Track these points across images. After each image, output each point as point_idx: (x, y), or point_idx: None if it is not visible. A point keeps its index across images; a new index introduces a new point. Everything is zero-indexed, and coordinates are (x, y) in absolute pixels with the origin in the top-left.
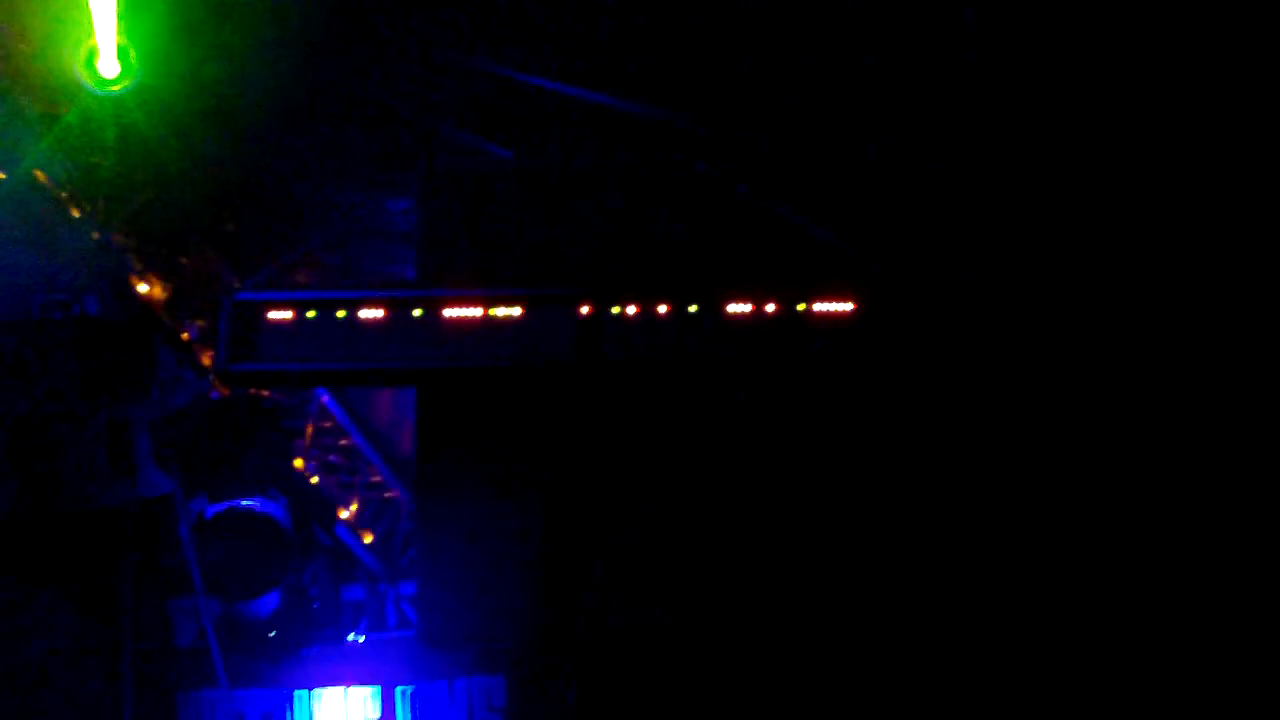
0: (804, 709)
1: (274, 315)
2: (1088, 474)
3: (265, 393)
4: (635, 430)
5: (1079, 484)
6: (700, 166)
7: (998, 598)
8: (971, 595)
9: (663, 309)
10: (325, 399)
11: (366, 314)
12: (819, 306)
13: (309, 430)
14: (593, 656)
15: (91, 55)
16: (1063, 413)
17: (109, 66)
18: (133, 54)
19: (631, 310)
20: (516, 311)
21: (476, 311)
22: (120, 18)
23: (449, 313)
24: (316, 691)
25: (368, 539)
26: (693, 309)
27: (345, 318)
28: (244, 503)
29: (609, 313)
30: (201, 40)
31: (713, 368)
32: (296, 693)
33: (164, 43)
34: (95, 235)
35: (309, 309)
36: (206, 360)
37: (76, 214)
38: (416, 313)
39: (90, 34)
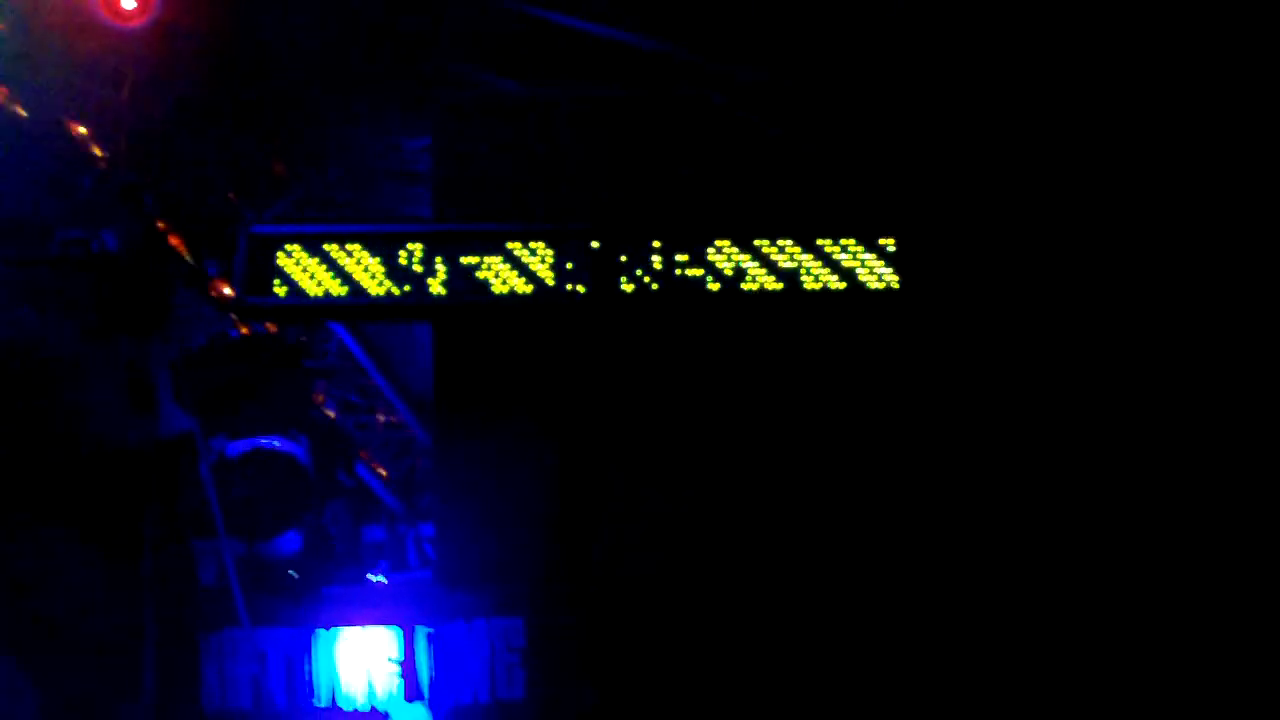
0: (813, 658)
1: (290, 249)
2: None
3: (274, 328)
4: (652, 370)
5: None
6: (716, 99)
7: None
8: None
9: (679, 245)
10: (344, 337)
11: (383, 248)
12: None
13: (329, 369)
14: (605, 598)
15: None
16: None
17: (128, 2)
18: None
19: (648, 246)
20: (532, 247)
21: (491, 247)
22: None
23: (463, 248)
24: (337, 631)
25: (388, 479)
26: (710, 246)
27: (361, 253)
28: (265, 442)
29: (625, 248)
30: None
31: (732, 306)
32: (317, 632)
33: None
34: (114, 172)
35: (325, 242)
36: (225, 298)
37: (96, 151)
38: (430, 246)
39: None
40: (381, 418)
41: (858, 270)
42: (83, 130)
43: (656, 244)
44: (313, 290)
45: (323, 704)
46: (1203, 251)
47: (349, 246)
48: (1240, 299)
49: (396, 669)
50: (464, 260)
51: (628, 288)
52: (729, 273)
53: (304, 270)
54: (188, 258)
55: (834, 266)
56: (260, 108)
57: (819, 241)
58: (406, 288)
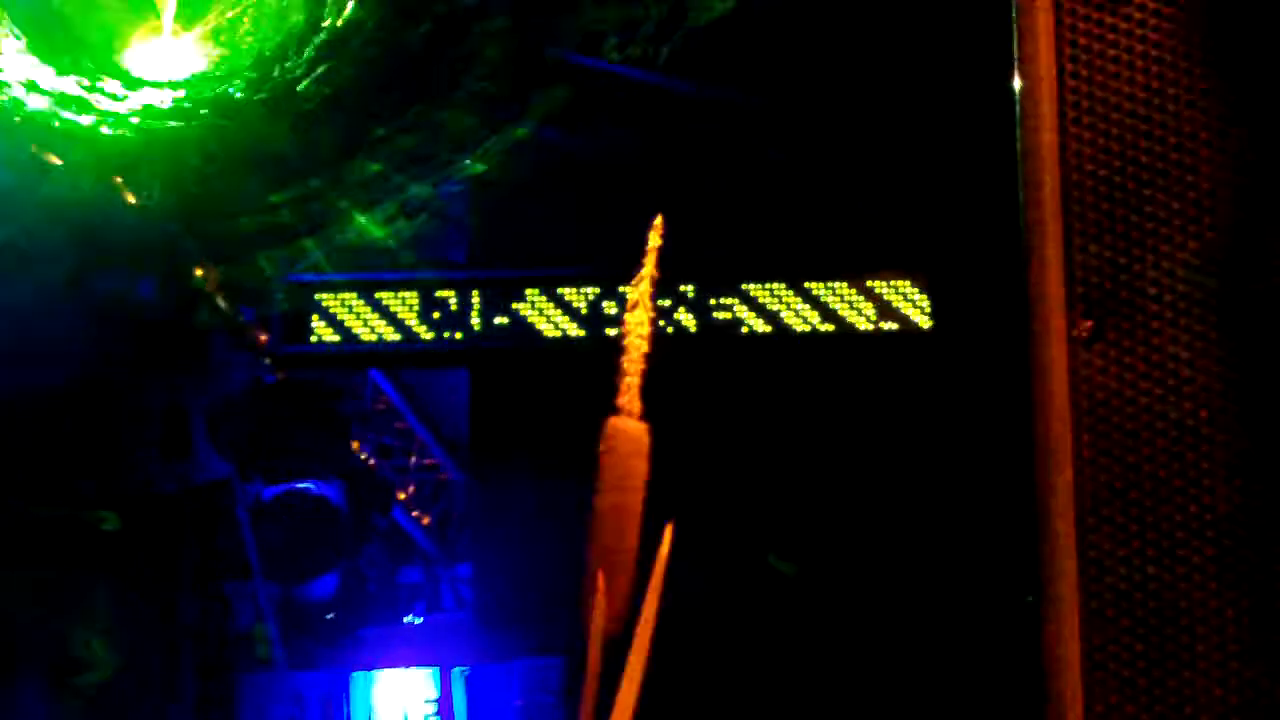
0: (852, 690)
1: (326, 296)
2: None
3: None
4: (689, 410)
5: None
6: (774, 155)
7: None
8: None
9: (715, 289)
10: (380, 381)
11: (418, 295)
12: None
13: (365, 413)
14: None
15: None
16: None
17: (163, 53)
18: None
19: (683, 289)
20: (567, 292)
21: (527, 293)
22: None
23: (499, 294)
24: (374, 673)
25: (424, 521)
26: (744, 290)
27: (397, 299)
28: (300, 486)
29: (658, 293)
30: (256, 28)
31: (768, 346)
32: (354, 674)
33: (219, 29)
34: (149, 220)
35: (362, 289)
36: (261, 344)
37: (130, 199)
38: (465, 293)
39: (146, 20)
40: (416, 460)
41: (891, 309)
42: (118, 179)
43: (693, 287)
44: (349, 337)
45: None
46: (1232, 279)
47: (385, 293)
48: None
49: (433, 710)
50: (500, 305)
51: (664, 331)
52: (765, 314)
53: (340, 317)
54: (224, 304)
55: (867, 305)
56: (295, 155)
57: (853, 281)
58: (444, 334)
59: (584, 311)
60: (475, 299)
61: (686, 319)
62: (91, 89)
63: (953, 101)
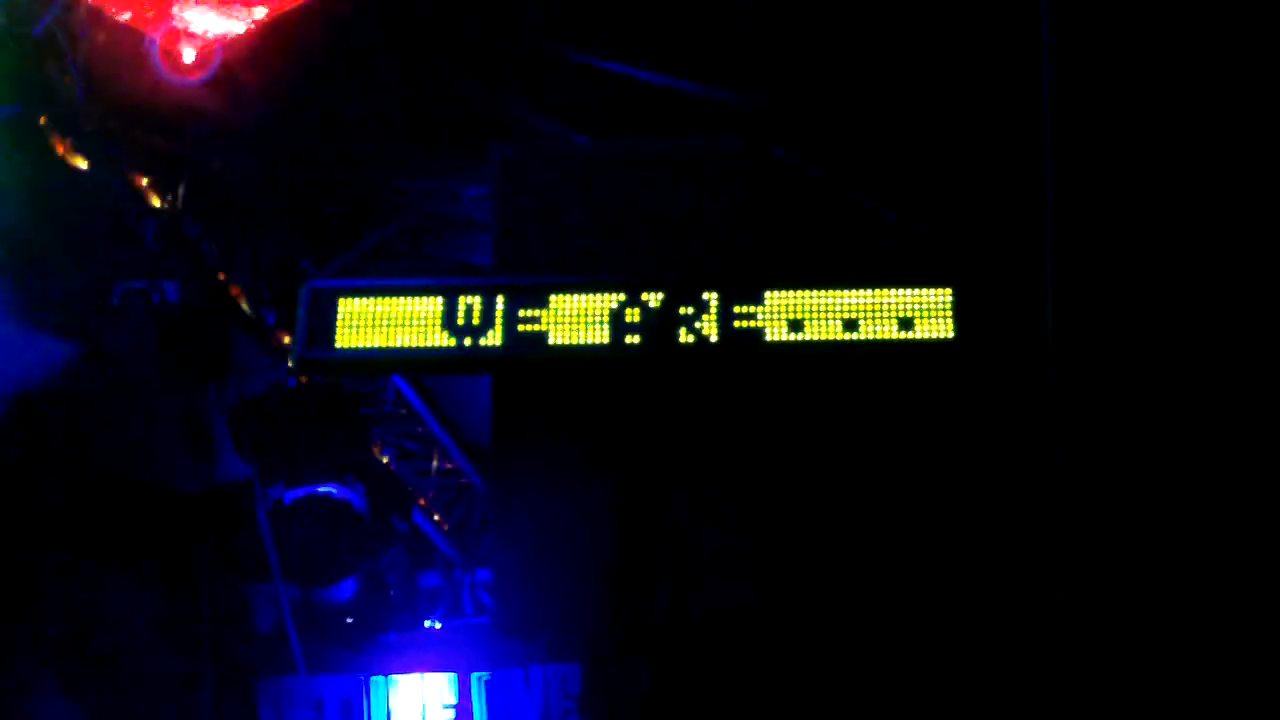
0: (878, 692)
1: (349, 301)
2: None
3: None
4: (709, 418)
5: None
6: (778, 153)
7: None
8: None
9: (737, 296)
10: (401, 385)
11: (440, 301)
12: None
13: (385, 417)
14: (666, 644)
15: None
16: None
17: (188, 56)
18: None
19: (704, 298)
20: (590, 299)
21: (550, 299)
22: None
23: (522, 300)
24: (393, 678)
25: (444, 526)
26: (767, 298)
27: (419, 304)
28: (321, 489)
29: (683, 300)
30: (279, 32)
31: (786, 358)
32: (373, 679)
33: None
34: (175, 223)
35: (385, 295)
36: (284, 348)
37: (156, 202)
38: (488, 299)
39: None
40: (438, 465)
41: (915, 320)
42: (144, 181)
43: (715, 295)
44: (372, 343)
45: None
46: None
47: (408, 298)
48: None
49: (451, 715)
50: (522, 312)
51: (686, 339)
52: (786, 323)
53: (363, 322)
54: (247, 308)
55: (891, 316)
56: (320, 159)
57: (876, 291)
58: (466, 340)
59: (607, 319)
60: (499, 305)
61: (709, 326)
62: None
63: (981, 110)
